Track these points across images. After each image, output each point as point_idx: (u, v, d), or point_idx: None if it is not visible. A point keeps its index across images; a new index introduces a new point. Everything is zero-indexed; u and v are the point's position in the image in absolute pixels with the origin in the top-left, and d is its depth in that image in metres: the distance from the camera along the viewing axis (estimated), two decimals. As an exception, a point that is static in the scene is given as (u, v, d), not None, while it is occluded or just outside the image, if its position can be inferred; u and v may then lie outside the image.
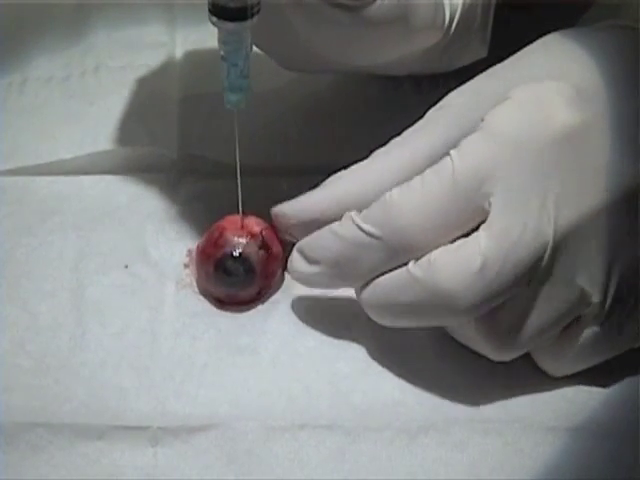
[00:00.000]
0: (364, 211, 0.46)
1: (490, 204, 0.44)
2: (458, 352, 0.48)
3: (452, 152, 0.45)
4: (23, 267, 0.52)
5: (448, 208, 0.44)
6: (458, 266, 0.44)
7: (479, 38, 0.53)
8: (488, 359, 0.47)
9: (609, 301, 0.46)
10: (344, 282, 0.47)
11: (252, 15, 0.44)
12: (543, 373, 0.48)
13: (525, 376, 0.48)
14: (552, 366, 0.48)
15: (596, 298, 0.45)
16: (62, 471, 0.44)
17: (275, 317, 0.50)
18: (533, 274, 0.44)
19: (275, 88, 0.60)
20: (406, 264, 0.45)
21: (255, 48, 0.49)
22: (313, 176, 0.50)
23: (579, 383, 0.48)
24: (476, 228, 0.44)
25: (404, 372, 0.48)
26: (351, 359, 0.48)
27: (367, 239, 0.45)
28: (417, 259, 0.45)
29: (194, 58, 0.62)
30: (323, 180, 0.49)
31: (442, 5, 0.50)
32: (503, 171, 0.44)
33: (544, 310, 0.45)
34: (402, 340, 0.49)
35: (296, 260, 0.48)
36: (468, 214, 0.44)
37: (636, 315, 0.46)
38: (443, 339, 0.48)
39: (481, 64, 0.51)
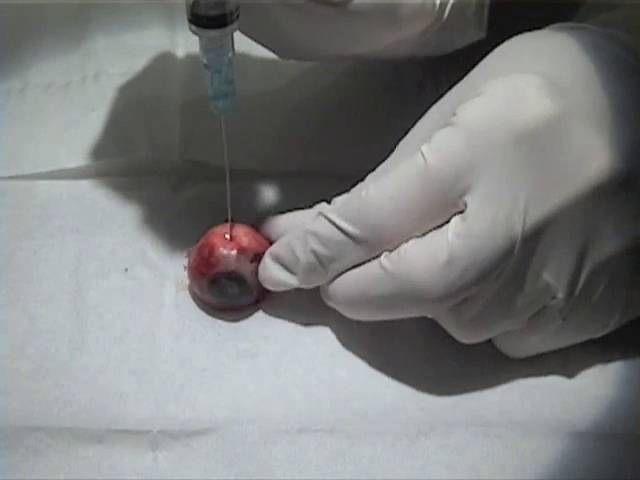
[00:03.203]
0: (339, 207, 0.46)
1: (463, 199, 0.44)
2: (458, 357, 0.48)
3: (423, 147, 0.44)
4: (23, 271, 0.52)
5: (421, 203, 0.44)
6: (426, 258, 0.44)
7: (475, 22, 0.52)
8: (488, 363, 0.48)
9: (575, 296, 0.45)
10: (319, 280, 0.47)
11: (232, 21, 0.44)
12: (544, 378, 0.48)
13: (526, 380, 0.48)
14: (513, 350, 0.48)
15: (561, 293, 0.45)
16: (62, 475, 0.44)
17: (275, 322, 0.50)
18: (501, 269, 0.44)
19: (275, 90, 0.60)
20: (378, 256, 0.45)
21: (250, 52, 0.48)
22: (317, 178, 0.50)
23: (580, 387, 0.48)
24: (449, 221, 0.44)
25: (404, 377, 0.48)
26: (351, 364, 0.48)
27: (344, 237, 0.45)
28: (390, 251, 0.45)
29: (195, 62, 0.62)
30: (326, 182, 0.49)
31: None
32: (475, 166, 0.44)
33: (510, 301, 0.45)
34: (402, 346, 0.49)
35: (270, 267, 0.48)
36: (441, 208, 0.44)
37: (600, 308, 0.46)
38: (443, 344, 0.48)
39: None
